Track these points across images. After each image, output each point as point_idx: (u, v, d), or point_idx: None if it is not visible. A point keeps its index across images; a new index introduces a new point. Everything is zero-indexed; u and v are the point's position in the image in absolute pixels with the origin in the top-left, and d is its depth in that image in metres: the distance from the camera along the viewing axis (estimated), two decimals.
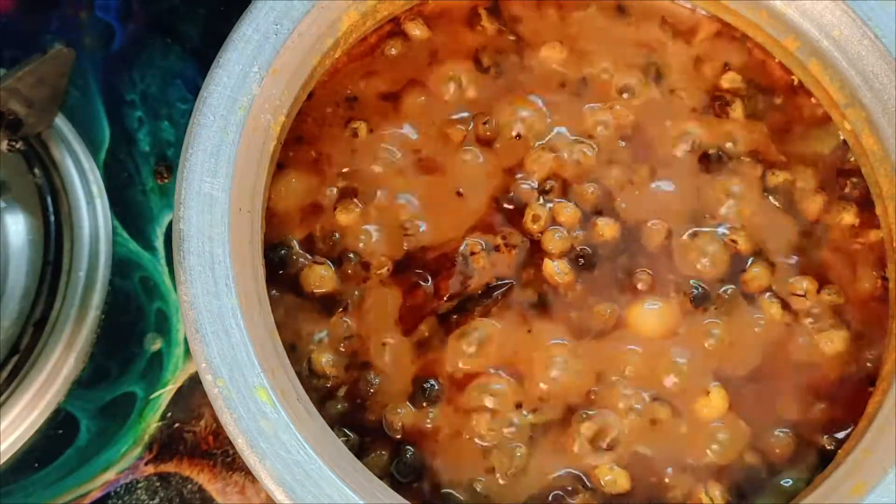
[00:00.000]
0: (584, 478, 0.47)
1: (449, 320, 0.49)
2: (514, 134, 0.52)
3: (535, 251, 0.50)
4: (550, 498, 0.46)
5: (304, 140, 0.52)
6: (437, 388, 0.48)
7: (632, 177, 0.52)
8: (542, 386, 0.48)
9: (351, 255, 0.50)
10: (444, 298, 0.49)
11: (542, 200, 0.51)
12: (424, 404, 0.47)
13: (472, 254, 0.50)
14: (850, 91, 0.51)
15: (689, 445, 0.47)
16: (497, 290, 0.49)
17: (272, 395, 0.42)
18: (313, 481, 0.41)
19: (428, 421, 0.47)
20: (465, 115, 0.53)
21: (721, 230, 0.51)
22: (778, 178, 0.52)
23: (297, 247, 0.50)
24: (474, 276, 0.50)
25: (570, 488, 0.46)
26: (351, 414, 0.47)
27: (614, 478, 0.46)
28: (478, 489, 0.46)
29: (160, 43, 0.61)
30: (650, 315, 0.49)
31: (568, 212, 0.51)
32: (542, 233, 0.50)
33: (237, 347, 0.43)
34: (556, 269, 0.49)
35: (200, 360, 0.42)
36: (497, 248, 0.50)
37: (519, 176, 0.52)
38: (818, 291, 0.50)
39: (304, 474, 0.41)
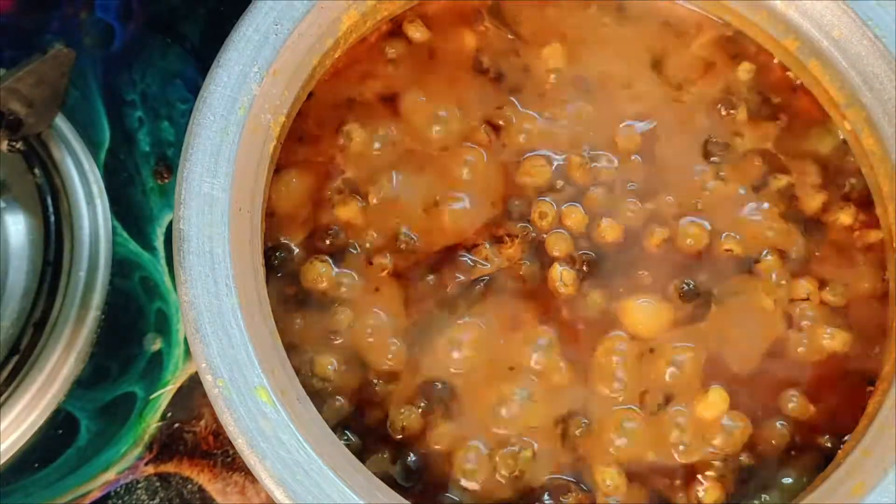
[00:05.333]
0: (580, 478, 0.47)
1: (444, 316, 0.49)
2: (520, 131, 0.52)
3: (540, 249, 0.50)
4: (546, 496, 0.46)
5: (304, 140, 0.52)
6: (438, 387, 0.48)
7: (634, 179, 0.52)
8: (539, 384, 0.48)
9: (351, 252, 0.50)
10: (447, 290, 0.49)
11: (548, 198, 0.51)
12: (424, 405, 0.47)
13: (474, 246, 0.50)
14: (850, 91, 0.51)
15: (688, 445, 0.47)
16: (479, 283, 0.49)
17: (272, 395, 0.42)
18: (313, 481, 0.41)
19: (428, 421, 0.47)
20: (467, 113, 0.53)
21: (722, 231, 0.51)
22: (780, 181, 0.52)
23: (298, 245, 0.50)
24: (476, 268, 0.50)
25: (564, 488, 0.46)
26: (352, 415, 0.47)
27: (611, 479, 0.46)
28: (477, 489, 0.46)
29: (160, 43, 0.61)
30: (648, 314, 0.49)
31: (575, 216, 0.51)
32: (546, 233, 0.50)
33: (237, 347, 0.43)
34: (559, 279, 0.49)
35: (200, 360, 0.42)
36: (500, 240, 0.50)
37: (524, 177, 0.52)
38: (818, 291, 0.50)
39: (304, 474, 0.41)
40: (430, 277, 0.50)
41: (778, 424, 0.48)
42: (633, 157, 0.52)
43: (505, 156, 0.52)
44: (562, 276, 0.49)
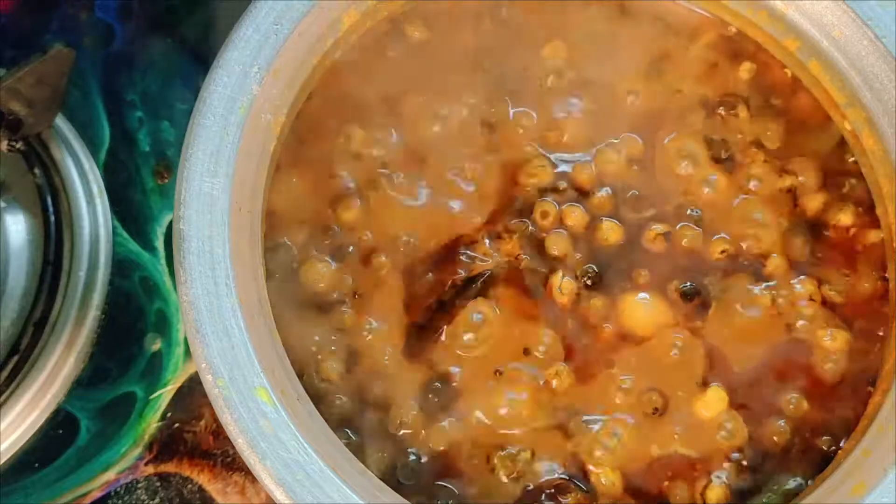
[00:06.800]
0: (580, 478, 0.47)
1: (444, 314, 0.49)
2: (520, 131, 0.52)
3: (540, 246, 0.50)
4: (543, 497, 0.46)
5: (304, 140, 0.52)
6: (438, 387, 0.48)
7: (635, 179, 0.52)
8: (539, 383, 0.48)
9: (351, 251, 0.50)
10: (446, 287, 0.49)
11: (550, 198, 0.51)
12: (424, 404, 0.47)
13: (473, 242, 0.50)
14: (850, 91, 0.51)
15: (688, 445, 0.47)
16: (478, 279, 0.49)
17: (272, 395, 0.42)
18: (313, 481, 0.41)
19: (428, 420, 0.47)
20: (466, 113, 0.53)
21: (722, 231, 0.51)
22: (781, 181, 0.52)
23: (298, 245, 0.50)
24: (475, 264, 0.50)
25: (564, 488, 0.46)
26: (352, 415, 0.47)
27: (607, 477, 0.46)
28: (477, 489, 0.46)
29: (160, 43, 0.61)
30: (648, 314, 0.49)
31: (576, 216, 0.51)
32: (547, 233, 0.50)
33: (237, 347, 0.43)
34: (558, 287, 0.49)
35: (200, 360, 0.42)
36: (499, 236, 0.50)
37: (525, 177, 0.52)
38: (819, 291, 0.50)
39: (304, 474, 0.41)
40: (430, 275, 0.50)
41: (778, 424, 0.48)
42: (633, 158, 0.52)
43: (505, 156, 0.52)
44: (561, 286, 0.49)
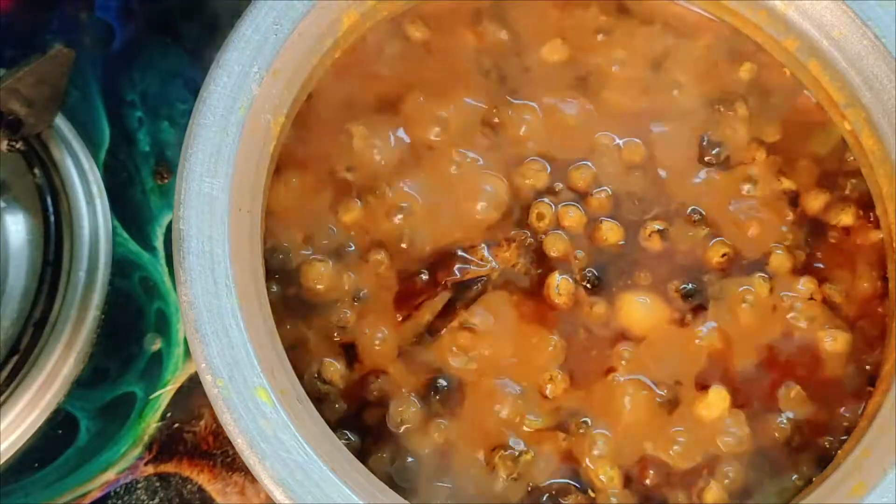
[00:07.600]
0: (580, 479, 0.47)
1: (442, 316, 0.49)
2: (520, 132, 0.52)
3: (539, 251, 0.50)
4: (544, 498, 0.46)
5: (303, 140, 0.52)
6: (437, 387, 0.48)
7: (634, 179, 0.52)
8: (538, 385, 0.48)
9: (350, 251, 0.50)
10: (444, 290, 0.49)
11: (547, 200, 0.51)
12: (424, 404, 0.47)
13: (471, 247, 0.50)
14: (850, 91, 0.51)
15: (687, 445, 0.47)
16: (476, 283, 0.49)
17: (272, 395, 0.42)
18: (313, 481, 0.41)
19: (428, 421, 0.47)
20: (466, 114, 0.53)
21: (722, 231, 0.51)
22: (781, 182, 0.52)
23: (297, 245, 0.50)
24: (472, 269, 0.50)
25: (564, 489, 0.46)
26: (352, 415, 0.47)
27: (605, 474, 0.46)
28: (476, 490, 0.46)
29: (160, 43, 0.61)
30: (647, 314, 0.49)
31: (573, 216, 0.51)
32: (545, 234, 0.50)
33: (237, 347, 0.43)
34: (555, 287, 0.49)
35: (200, 360, 0.42)
36: (497, 243, 0.50)
37: (523, 179, 0.52)
38: (819, 291, 0.50)
39: (304, 474, 0.41)
40: (427, 277, 0.50)
41: (778, 424, 0.48)
42: (632, 158, 0.52)
43: (504, 157, 0.52)
44: (559, 286, 0.49)
